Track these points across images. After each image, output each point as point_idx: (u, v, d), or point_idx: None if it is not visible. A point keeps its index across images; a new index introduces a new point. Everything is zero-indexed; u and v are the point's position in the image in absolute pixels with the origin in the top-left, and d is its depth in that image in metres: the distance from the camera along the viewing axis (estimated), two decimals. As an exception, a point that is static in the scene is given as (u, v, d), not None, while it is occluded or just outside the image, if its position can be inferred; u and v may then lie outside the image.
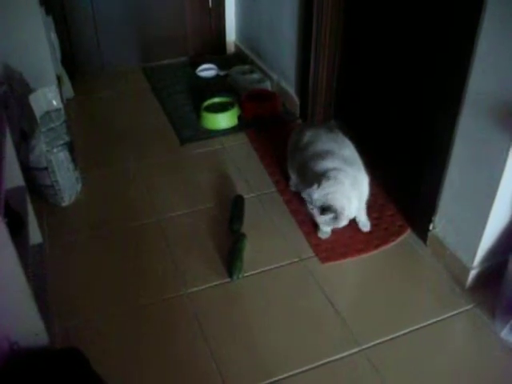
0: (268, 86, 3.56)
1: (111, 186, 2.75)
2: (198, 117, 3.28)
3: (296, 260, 2.27)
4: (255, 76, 3.68)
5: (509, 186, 1.91)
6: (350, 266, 2.25)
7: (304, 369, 1.85)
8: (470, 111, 1.94)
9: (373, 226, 2.41)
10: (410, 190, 2.53)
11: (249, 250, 2.29)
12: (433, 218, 2.25)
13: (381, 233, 2.39)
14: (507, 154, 1.81)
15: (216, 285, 2.16)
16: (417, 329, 1.99)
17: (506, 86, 1.78)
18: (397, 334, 1.97)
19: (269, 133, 3.16)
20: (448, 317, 2.03)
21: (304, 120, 3.25)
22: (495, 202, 1.92)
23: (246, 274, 2.20)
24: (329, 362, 1.87)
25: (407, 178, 2.62)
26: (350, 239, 2.35)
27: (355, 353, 1.91)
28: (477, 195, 2.00)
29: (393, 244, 2.34)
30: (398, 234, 2.39)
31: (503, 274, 1.98)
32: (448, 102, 2.04)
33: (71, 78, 3.56)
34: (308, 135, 2.43)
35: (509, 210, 1.99)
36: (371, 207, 2.46)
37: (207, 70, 3.90)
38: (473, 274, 2.11)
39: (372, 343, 1.94)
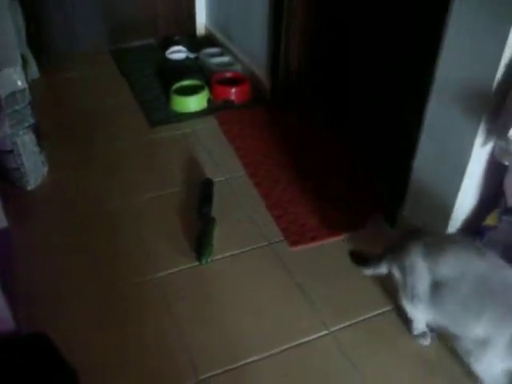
0: (238, 69, 3.54)
1: (78, 169, 2.71)
2: (168, 99, 3.24)
3: (265, 244, 2.27)
4: (225, 59, 3.65)
5: (475, 173, 1.94)
6: (318, 250, 2.26)
7: (273, 352, 1.86)
8: (437, 98, 1.96)
9: (343, 209, 2.42)
10: (379, 176, 2.55)
11: (218, 234, 2.28)
12: (401, 204, 2.27)
13: (350, 217, 2.40)
14: (473, 142, 1.84)
15: (185, 268, 2.15)
16: (384, 311, 2.01)
17: (471, 75, 1.80)
18: (365, 317, 1.99)
19: (238, 117, 3.14)
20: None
21: (274, 102, 3.24)
22: (461, 189, 1.95)
23: (214, 258, 2.19)
24: (298, 345, 1.89)
25: (377, 164, 2.64)
26: (319, 223, 2.36)
27: (323, 335, 1.92)
28: (444, 181, 2.02)
29: (361, 229, 2.35)
30: (367, 218, 2.40)
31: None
32: (417, 88, 2.05)
33: (37, 58, 3.48)
34: (453, 264, 1.74)
35: (474, 197, 2.02)
36: (342, 191, 2.48)
37: (177, 53, 3.85)
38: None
39: (340, 326, 1.95)
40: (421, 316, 1.86)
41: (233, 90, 3.27)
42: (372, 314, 2.00)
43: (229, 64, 3.59)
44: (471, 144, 1.85)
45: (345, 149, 2.83)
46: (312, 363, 1.84)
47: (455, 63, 1.86)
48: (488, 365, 1.68)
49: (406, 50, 2.40)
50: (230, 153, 2.82)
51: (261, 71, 3.35)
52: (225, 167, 2.72)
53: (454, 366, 1.83)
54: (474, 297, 1.66)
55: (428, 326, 1.89)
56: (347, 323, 1.97)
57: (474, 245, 1.80)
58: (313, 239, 2.28)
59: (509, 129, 1.67)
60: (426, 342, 1.91)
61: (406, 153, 2.16)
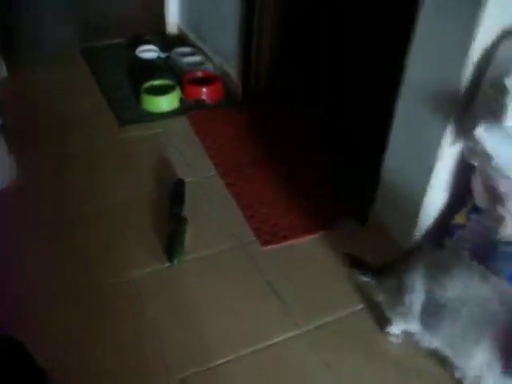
0: (210, 68, 3.52)
1: (47, 170, 2.67)
2: (139, 99, 3.22)
3: (237, 244, 2.27)
4: (197, 58, 3.64)
5: (443, 172, 1.97)
6: (290, 249, 2.26)
7: (246, 352, 1.86)
8: (406, 97, 1.98)
9: (314, 209, 2.43)
10: (351, 175, 2.57)
11: (189, 234, 2.27)
12: (372, 201, 2.29)
13: (322, 216, 2.40)
14: (441, 141, 1.86)
15: (157, 269, 2.14)
16: (357, 310, 2.03)
17: (439, 75, 1.82)
18: (337, 316, 2.00)
19: (210, 116, 3.13)
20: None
21: (246, 101, 3.24)
22: (430, 187, 1.97)
23: (186, 258, 2.18)
24: (271, 345, 1.89)
25: (349, 163, 2.66)
26: (291, 223, 2.36)
27: (296, 335, 1.92)
28: (413, 179, 2.04)
29: (333, 228, 2.36)
30: (339, 217, 2.41)
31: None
32: (388, 85, 2.07)
33: (5, 57, 3.43)
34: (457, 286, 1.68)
35: (443, 194, 2.05)
36: (313, 190, 2.49)
37: (148, 52, 3.82)
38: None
39: (313, 325, 1.96)
40: (406, 326, 1.85)
41: (204, 90, 3.26)
42: (345, 313, 2.01)
43: (200, 63, 3.57)
44: (439, 143, 1.87)
45: (317, 148, 2.84)
46: (285, 363, 1.85)
47: (423, 63, 1.88)
48: None
49: (376, 49, 2.43)
50: (202, 153, 2.81)
51: (232, 70, 3.35)
52: (196, 167, 2.70)
53: (428, 366, 1.84)
54: (474, 322, 1.61)
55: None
56: (320, 322, 1.97)
57: (479, 268, 1.73)
58: (285, 239, 2.28)
59: (476, 129, 1.69)
60: (398, 340, 1.92)
61: (377, 151, 2.18)
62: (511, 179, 1.71)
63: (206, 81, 3.34)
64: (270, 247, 2.25)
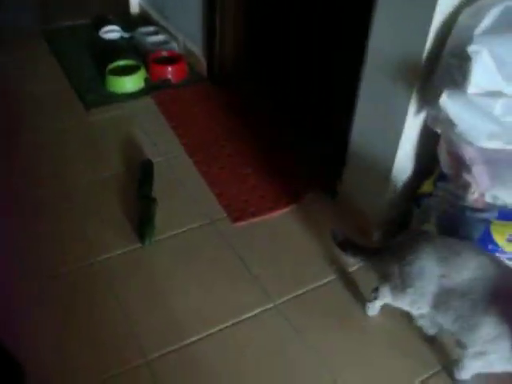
0: (174, 47, 3.48)
1: (12, 156, 2.62)
2: (103, 81, 3.17)
3: (207, 221, 2.26)
4: (161, 38, 3.59)
5: (410, 140, 1.98)
6: (261, 225, 2.27)
7: (220, 328, 1.87)
8: (371, 67, 1.98)
9: (284, 184, 2.44)
10: (318, 148, 2.57)
11: (159, 214, 2.25)
12: (340, 175, 2.30)
13: (291, 191, 2.41)
14: (407, 110, 1.87)
15: (128, 251, 2.13)
16: (329, 281, 2.05)
17: (402, 45, 1.82)
18: (310, 288, 2.01)
19: (176, 96, 3.10)
20: (357, 268, 2.09)
21: (211, 79, 3.21)
22: (398, 156, 1.98)
23: (157, 239, 2.17)
24: (244, 320, 1.90)
25: (316, 136, 2.66)
26: (260, 199, 2.36)
27: (269, 309, 1.94)
28: (381, 149, 2.05)
29: (303, 201, 2.37)
30: (308, 191, 2.42)
31: (407, 224, 2.07)
32: (352, 57, 2.07)
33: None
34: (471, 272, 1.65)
35: (410, 163, 2.06)
36: (282, 166, 2.49)
37: (111, 32, 3.76)
38: (379, 227, 2.18)
39: (285, 298, 1.97)
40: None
41: (169, 69, 3.22)
42: (317, 286, 2.03)
43: (165, 42, 3.53)
44: (404, 113, 1.88)
45: (284, 122, 2.83)
46: (259, 337, 1.86)
47: (387, 33, 1.88)
48: (485, 365, 1.68)
49: (339, 22, 2.42)
50: (169, 132, 2.79)
51: (197, 49, 3.32)
52: (164, 147, 2.68)
53: (406, 337, 1.87)
54: (483, 301, 1.59)
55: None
56: (292, 295, 1.99)
57: (487, 252, 1.74)
58: (255, 214, 2.29)
59: (439, 97, 1.69)
60: (374, 313, 1.93)
61: (344, 124, 2.18)
62: (475, 145, 1.73)
63: (170, 60, 3.31)
64: (240, 223, 2.25)
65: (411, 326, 1.89)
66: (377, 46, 1.93)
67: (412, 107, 1.87)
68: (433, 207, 1.98)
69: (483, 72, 1.60)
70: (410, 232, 1.97)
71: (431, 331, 1.87)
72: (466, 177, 1.81)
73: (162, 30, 3.68)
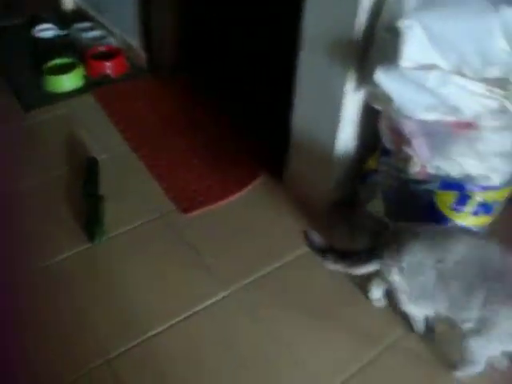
0: (112, 42, 3.42)
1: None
2: (41, 81, 3.09)
3: (157, 215, 2.24)
4: (97, 33, 3.52)
5: (351, 118, 2.00)
6: (211, 214, 2.26)
7: (178, 320, 1.86)
8: (307, 47, 1.98)
9: (231, 171, 2.44)
10: (262, 133, 2.57)
11: (108, 212, 2.22)
12: (286, 156, 2.31)
13: (239, 177, 2.41)
14: (345, 88, 1.89)
15: (79, 251, 2.09)
16: (282, 265, 2.06)
17: (335, 23, 1.83)
18: (264, 273, 2.02)
19: (116, 91, 3.05)
20: (307, 252, 2.10)
21: (152, 72, 3.17)
22: (340, 135, 2.00)
23: (107, 236, 2.14)
24: (201, 310, 1.89)
25: (260, 121, 2.66)
26: (208, 188, 2.35)
27: (226, 296, 1.94)
28: (323, 128, 2.07)
29: (251, 186, 2.38)
30: (255, 177, 2.42)
31: (355, 202, 2.10)
32: (289, 40, 2.07)
33: None
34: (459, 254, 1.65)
35: (353, 141, 2.08)
36: (228, 153, 2.48)
37: (46, 31, 3.66)
38: (328, 207, 2.20)
39: (240, 285, 1.98)
40: (420, 310, 1.80)
41: (108, 64, 3.17)
42: (271, 269, 2.04)
43: (101, 38, 3.46)
44: (343, 91, 1.90)
45: (227, 111, 2.82)
46: (218, 325, 1.86)
47: (319, 12, 1.89)
48: (486, 347, 1.68)
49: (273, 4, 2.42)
50: (112, 128, 2.74)
51: (135, 42, 3.27)
52: (107, 144, 2.64)
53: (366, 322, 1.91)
54: (478, 281, 1.59)
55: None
56: (247, 281, 1.99)
57: (476, 234, 1.75)
58: (204, 204, 2.28)
59: (374, 73, 1.71)
60: (381, 304, 1.91)
61: (285, 106, 2.19)
62: (413, 119, 1.76)
63: (109, 55, 3.25)
64: (190, 214, 2.24)
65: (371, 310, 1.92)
66: (310, 25, 1.93)
67: (350, 85, 1.89)
68: (378, 183, 2.02)
69: (416, 46, 1.63)
70: (395, 230, 1.84)
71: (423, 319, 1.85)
72: (407, 150, 1.85)
73: (98, 25, 3.61)
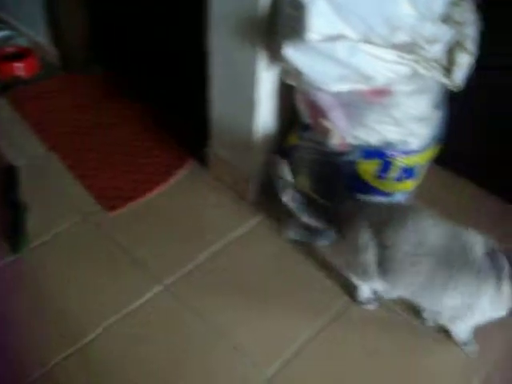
0: (21, 42, 3.28)
1: None
2: None
3: (82, 217, 2.17)
4: (5, 33, 3.36)
5: (267, 96, 1.98)
6: (138, 209, 2.21)
7: (114, 320, 1.81)
8: (216, 29, 1.94)
9: (155, 163, 2.39)
10: (182, 121, 2.53)
11: (31, 219, 2.13)
12: (208, 141, 2.28)
13: (163, 168, 2.36)
14: (257, 67, 1.87)
15: (3, 264, 2.00)
16: (215, 251, 2.04)
17: (240, 2, 1.79)
18: (196, 265, 1.99)
19: (30, 92, 2.93)
20: (242, 234, 2.10)
21: (65, 70, 3.07)
22: (258, 114, 1.98)
23: (32, 245, 2.06)
24: (137, 308, 1.85)
25: (178, 106, 2.60)
26: (133, 182, 2.29)
27: (160, 291, 1.90)
28: (240, 110, 2.04)
29: (177, 175, 2.33)
30: (180, 166, 2.38)
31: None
32: (198, 24, 2.03)
33: None
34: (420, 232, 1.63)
35: (272, 120, 2.06)
36: (148, 146, 2.43)
37: (-51, 37, 3.49)
38: (254, 187, 2.19)
39: (173, 278, 1.94)
40: (369, 287, 1.82)
41: (19, 65, 3.03)
42: (203, 260, 2.01)
43: (9, 38, 3.31)
44: (256, 69, 1.87)
45: (146, 103, 2.75)
46: (156, 321, 1.82)
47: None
48: (469, 325, 1.70)
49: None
50: (29, 132, 2.62)
51: (45, 40, 3.14)
52: (25, 148, 2.53)
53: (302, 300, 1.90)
54: (440, 267, 1.58)
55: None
56: (181, 272, 1.96)
57: (426, 211, 1.70)
58: (130, 199, 2.22)
59: (282, 49, 1.69)
60: (374, 306, 1.87)
61: (202, 92, 2.15)
62: (327, 91, 1.75)
63: (19, 55, 3.11)
64: (116, 212, 2.18)
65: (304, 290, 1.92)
66: (216, 7, 1.89)
67: (262, 64, 1.86)
68: (301, 158, 2.01)
69: (321, 18, 1.61)
70: (348, 205, 1.83)
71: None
72: (325, 123, 1.85)
73: (4, 25, 3.45)
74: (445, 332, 1.78)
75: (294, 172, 2.02)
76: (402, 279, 1.66)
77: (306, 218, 1.82)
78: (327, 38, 1.64)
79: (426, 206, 2.00)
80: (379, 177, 1.92)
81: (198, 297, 1.89)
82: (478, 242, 1.59)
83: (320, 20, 1.61)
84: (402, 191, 2.02)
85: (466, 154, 2.22)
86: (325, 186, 1.97)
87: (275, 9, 1.74)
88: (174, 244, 2.07)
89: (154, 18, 2.64)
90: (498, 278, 1.54)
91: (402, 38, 1.68)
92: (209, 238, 2.08)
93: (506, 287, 1.54)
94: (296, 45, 1.67)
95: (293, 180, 1.83)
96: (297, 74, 1.75)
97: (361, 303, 1.86)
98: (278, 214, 2.10)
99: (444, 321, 1.73)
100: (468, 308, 1.60)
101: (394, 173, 1.92)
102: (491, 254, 1.57)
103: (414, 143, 1.89)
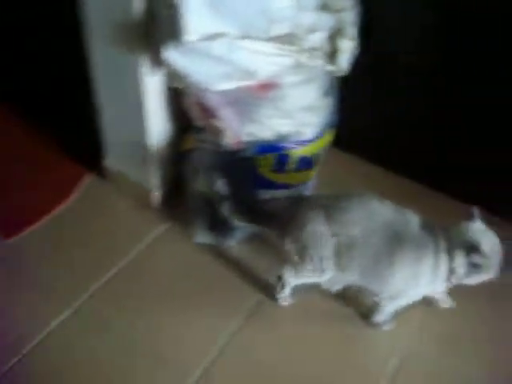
0: None
1: None
2: None
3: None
4: None
5: (155, 103, 1.93)
6: (41, 230, 2.10)
7: (26, 350, 1.72)
8: (95, 39, 1.89)
9: (49, 182, 2.28)
10: (75, 135, 2.44)
11: None
12: (104, 154, 2.21)
13: (60, 186, 2.26)
14: (140, 74, 1.82)
15: None
16: (126, 263, 1.99)
17: (116, 7, 1.74)
18: (109, 276, 1.94)
19: None
20: (151, 242, 2.06)
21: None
22: (147, 121, 1.94)
23: None
24: (49, 334, 1.77)
25: (70, 124, 2.50)
26: (31, 204, 2.18)
27: (73, 312, 1.83)
28: (130, 120, 1.99)
29: (76, 192, 2.25)
30: (78, 180, 2.29)
31: (184, 185, 2.06)
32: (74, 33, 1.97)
33: None
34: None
35: (165, 126, 2.03)
36: (42, 166, 2.35)
37: None
38: (158, 195, 2.15)
39: (86, 295, 1.88)
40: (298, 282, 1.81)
41: None
42: (118, 267, 1.97)
43: None
44: (140, 76, 1.82)
45: (35, 121, 2.60)
46: (72, 341, 1.76)
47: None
48: (406, 302, 1.73)
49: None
50: None
51: None
52: None
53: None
54: (385, 247, 1.62)
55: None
56: (94, 287, 1.91)
57: (368, 193, 1.71)
58: (29, 222, 2.10)
59: (162, 52, 1.66)
60: (290, 301, 1.87)
61: (90, 104, 2.09)
62: (213, 90, 1.73)
63: None
64: (16, 237, 2.07)
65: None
66: (92, 14, 1.83)
67: (145, 69, 1.81)
68: (199, 161, 1.98)
69: (197, 17, 1.59)
70: (289, 200, 1.85)
71: (337, 288, 1.84)
72: (217, 123, 1.82)
73: None
74: (365, 318, 1.83)
75: (195, 175, 2.00)
76: (355, 263, 1.67)
77: (242, 226, 1.84)
78: (206, 37, 1.61)
79: (329, 189, 2.07)
80: (278, 170, 1.92)
81: (114, 310, 1.84)
82: (416, 219, 1.65)
83: (196, 19, 1.59)
84: (303, 181, 2.04)
85: (362, 136, 2.26)
86: (227, 185, 1.95)
87: (151, 11, 1.70)
88: (84, 260, 2.00)
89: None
90: (436, 253, 1.60)
91: (281, 29, 1.68)
92: (119, 250, 2.02)
93: (442, 261, 1.60)
94: (175, 47, 1.64)
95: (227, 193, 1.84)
96: (181, 76, 1.72)
97: (278, 300, 1.86)
98: (185, 218, 2.08)
99: (384, 300, 1.75)
100: (409, 284, 1.66)
101: (291, 165, 1.92)
102: (428, 230, 1.63)
103: (308, 133, 1.90)
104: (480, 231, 1.60)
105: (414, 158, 2.21)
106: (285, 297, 1.86)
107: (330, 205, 1.68)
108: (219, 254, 2.02)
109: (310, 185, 2.08)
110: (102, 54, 1.90)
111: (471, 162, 2.06)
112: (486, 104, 1.99)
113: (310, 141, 1.91)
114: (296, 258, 1.72)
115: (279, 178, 1.94)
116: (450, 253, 1.58)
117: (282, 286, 1.83)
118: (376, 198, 1.68)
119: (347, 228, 1.64)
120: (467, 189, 2.03)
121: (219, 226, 1.99)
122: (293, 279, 1.80)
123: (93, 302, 1.86)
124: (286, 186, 1.99)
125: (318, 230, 1.65)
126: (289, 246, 1.72)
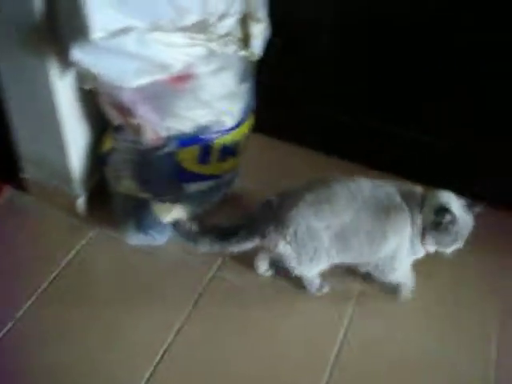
0: None
1: None
2: None
3: None
4: None
5: (68, 107, 1.86)
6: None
7: None
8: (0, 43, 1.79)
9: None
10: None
11: None
12: (21, 165, 2.12)
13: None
14: (50, 78, 1.75)
15: None
16: (59, 273, 1.93)
17: (16, 10, 1.65)
18: (43, 288, 1.88)
19: None
20: (80, 250, 2.00)
21: None
22: (63, 127, 1.87)
23: None
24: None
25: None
26: None
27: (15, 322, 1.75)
28: (44, 128, 1.91)
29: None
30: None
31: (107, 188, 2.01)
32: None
33: None
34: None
35: (82, 129, 1.97)
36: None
37: None
38: (82, 200, 2.09)
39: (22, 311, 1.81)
40: (316, 272, 1.81)
41: None
42: (53, 275, 1.91)
43: None
44: (49, 80, 1.74)
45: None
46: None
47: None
48: (401, 269, 1.78)
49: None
50: None
51: None
52: None
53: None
54: (374, 222, 1.66)
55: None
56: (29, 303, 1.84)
57: (345, 177, 1.73)
58: None
59: (69, 53, 1.59)
60: (326, 289, 1.87)
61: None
62: (127, 87, 1.68)
63: None
64: None
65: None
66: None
67: (54, 72, 1.74)
68: (121, 161, 1.93)
69: (102, 14, 1.54)
70: (264, 205, 1.78)
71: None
72: (134, 120, 1.78)
73: None
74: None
75: (118, 176, 1.96)
76: (350, 247, 1.71)
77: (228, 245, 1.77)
78: (113, 34, 1.56)
79: (255, 173, 2.15)
80: (202, 162, 1.90)
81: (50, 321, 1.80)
82: (393, 188, 1.70)
83: (102, 16, 1.54)
84: (230, 170, 2.03)
85: (281, 118, 2.29)
86: (151, 183, 1.92)
87: (55, 10, 1.63)
88: (10, 277, 1.93)
89: None
90: (414, 219, 1.67)
91: (191, 19, 1.66)
92: (49, 260, 1.96)
93: (418, 223, 1.68)
94: (83, 46, 1.58)
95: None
96: (92, 76, 1.66)
97: (315, 294, 1.87)
98: (114, 221, 2.03)
99: (381, 274, 1.81)
100: (397, 254, 1.73)
101: (215, 155, 1.91)
102: (406, 196, 1.69)
103: (228, 121, 1.89)
104: (451, 198, 1.68)
105: (334, 134, 2.25)
106: (318, 288, 1.87)
107: (314, 199, 1.68)
108: (152, 252, 1.99)
109: (237, 172, 2.08)
110: (9, 58, 1.80)
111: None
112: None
113: (231, 129, 1.90)
114: (294, 257, 1.73)
115: (205, 170, 1.93)
116: (423, 214, 1.66)
117: (308, 281, 1.85)
118: (351, 179, 1.72)
119: (338, 217, 1.66)
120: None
121: (148, 225, 1.95)
122: (307, 271, 1.80)
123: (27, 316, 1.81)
124: (213, 177, 1.97)
125: (312, 227, 1.67)
126: (283, 248, 1.71)
